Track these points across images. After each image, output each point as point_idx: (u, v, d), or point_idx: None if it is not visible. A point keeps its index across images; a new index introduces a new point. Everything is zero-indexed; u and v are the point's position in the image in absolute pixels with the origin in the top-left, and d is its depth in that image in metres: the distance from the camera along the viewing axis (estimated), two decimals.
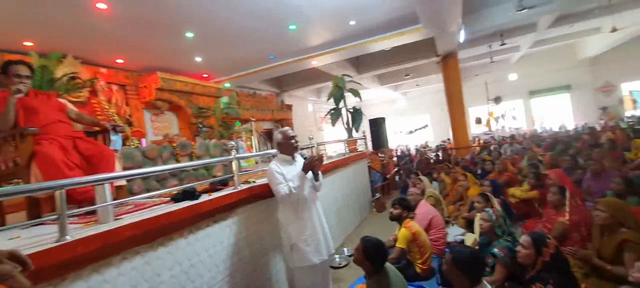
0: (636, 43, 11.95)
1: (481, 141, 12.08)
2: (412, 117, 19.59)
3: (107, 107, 5.69)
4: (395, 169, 9.27)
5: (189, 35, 5.08)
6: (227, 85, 8.62)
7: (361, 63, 10.80)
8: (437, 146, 12.98)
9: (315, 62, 7.89)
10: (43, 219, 1.65)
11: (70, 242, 1.49)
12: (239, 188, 2.75)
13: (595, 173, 4.16)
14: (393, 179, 8.41)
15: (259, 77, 9.25)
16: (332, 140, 7.96)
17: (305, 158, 2.65)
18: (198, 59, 6.44)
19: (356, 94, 7.07)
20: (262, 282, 2.90)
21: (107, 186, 1.89)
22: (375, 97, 18.04)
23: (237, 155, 2.81)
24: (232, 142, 2.86)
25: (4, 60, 2.53)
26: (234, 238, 2.67)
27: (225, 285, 2.51)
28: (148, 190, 3.65)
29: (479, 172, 6.57)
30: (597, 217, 2.46)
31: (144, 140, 6.17)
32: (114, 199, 2.61)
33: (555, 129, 13.59)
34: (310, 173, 2.61)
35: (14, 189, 1.47)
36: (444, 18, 5.85)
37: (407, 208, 3.44)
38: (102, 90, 5.72)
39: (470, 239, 3.78)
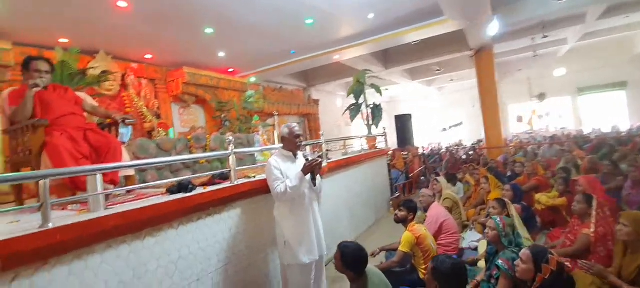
0: None
1: (518, 141, 11.27)
2: (446, 114, 18.75)
3: (136, 100, 6.04)
4: (422, 168, 8.94)
5: (209, 30, 5.22)
6: (253, 79, 8.78)
7: (389, 57, 10.50)
8: (472, 145, 12.33)
9: (338, 57, 7.79)
10: (27, 207, 1.77)
11: (51, 229, 1.58)
12: (236, 182, 2.78)
13: (637, 182, 3.70)
14: (417, 178, 8.12)
15: (284, 72, 9.31)
16: (357, 135, 7.84)
17: (307, 159, 2.60)
18: (221, 54, 6.61)
19: (378, 89, 6.89)
20: (258, 277, 2.92)
21: (98, 176, 1.98)
22: (406, 93, 17.52)
23: (235, 150, 2.85)
24: (230, 138, 2.88)
25: (26, 57, 2.75)
26: (229, 232, 2.71)
27: (218, 276, 2.56)
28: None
29: (509, 174, 6.14)
30: (619, 232, 2.18)
31: (171, 132, 6.48)
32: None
33: (607, 129, 12.32)
34: (309, 176, 2.56)
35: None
36: (470, 9, 5.47)
37: (412, 210, 3.29)
38: (132, 84, 6.07)
39: (484, 246, 3.55)
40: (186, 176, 4.07)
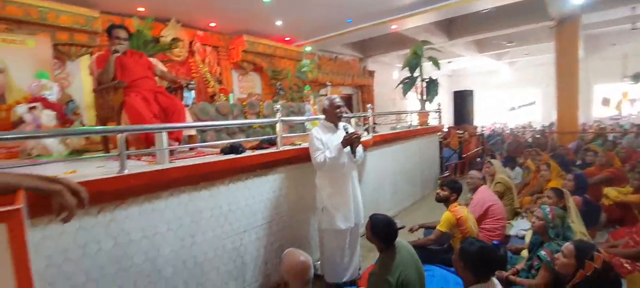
0: None
1: (598, 126, 9.92)
2: (517, 91, 17.05)
3: (201, 66, 6.54)
4: (479, 149, 8.43)
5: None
6: (309, 48, 8.85)
7: (454, 27, 9.72)
8: (542, 128, 11.15)
9: (395, 26, 7.45)
10: (108, 155, 2.14)
11: (125, 175, 1.91)
12: (281, 149, 2.98)
13: None
14: (472, 159, 7.71)
15: (340, 41, 9.20)
16: (407, 110, 7.63)
17: (347, 132, 2.68)
18: (278, 23, 6.76)
19: (435, 62, 6.51)
20: (297, 237, 3.16)
21: (164, 134, 2.30)
22: (471, 66, 16.20)
23: (282, 118, 3.02)
24: (278, 106, 3.06)
25: (109, 24, 3.15)
26: (273, 193, 2.95)
27: (261, 231, 2.84)
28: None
29: (579, 163, 5.55)
30: None
31: (231, 97, 6.93)
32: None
33: None
34: (348, 148, 2.64)
35: (84, 129, 1.93)
36: None
37: (456, 191, 3.22)
38: (198, 51, 6.56)
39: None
40: (241, 139, 4.42)
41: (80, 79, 4.97)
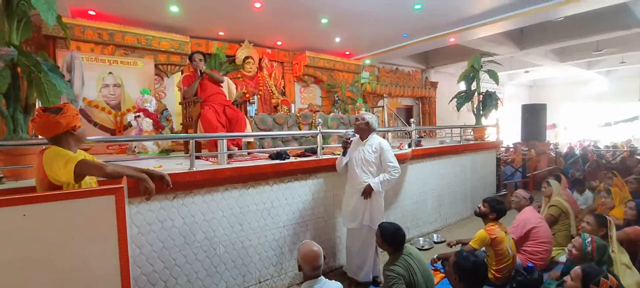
0: None
1: None
2: (614, 105, 14.83)
3: (268, 80, 7.35)
4: (550, 168, 7.72)
5: (324, 20, 5.89)
6: (368, 61, 9.17)
7: (526, 36, 9.06)
8: (630, 148, 9.58)
9: (453, 39, 7.33)
10: (186, 155, 2.80)
11: (193, 171, 2.53)
12: (320, 157, 3.40)
13: None
14: (540, 179, 7.11)
15: (400, 53, 9.29)
16: (458, 125, 7.38)
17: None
18: (337, 39, 7.24)
19: (493, 75, 6.26)
20: (332, 237, 3.53)
21: (224, 141, 2.91)
22: (556, 76, 14.61)
23: (322, 130, 3.45)
24: (319, 119, 3.49)
25: (191, 52, 3.97)
26: (311, 195, 3.38)
27: (299, 228, 3.29)
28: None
29: None
30: None
31: (293, 107, 7.62)
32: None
33: None
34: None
35: (165, 136, 2.60)
36: None
37: (496, 211, 3.22)
38: (266, 66, 7.40)
39: None
40: (293, 147, 4.96)
41: (173, 92, 6.11)
